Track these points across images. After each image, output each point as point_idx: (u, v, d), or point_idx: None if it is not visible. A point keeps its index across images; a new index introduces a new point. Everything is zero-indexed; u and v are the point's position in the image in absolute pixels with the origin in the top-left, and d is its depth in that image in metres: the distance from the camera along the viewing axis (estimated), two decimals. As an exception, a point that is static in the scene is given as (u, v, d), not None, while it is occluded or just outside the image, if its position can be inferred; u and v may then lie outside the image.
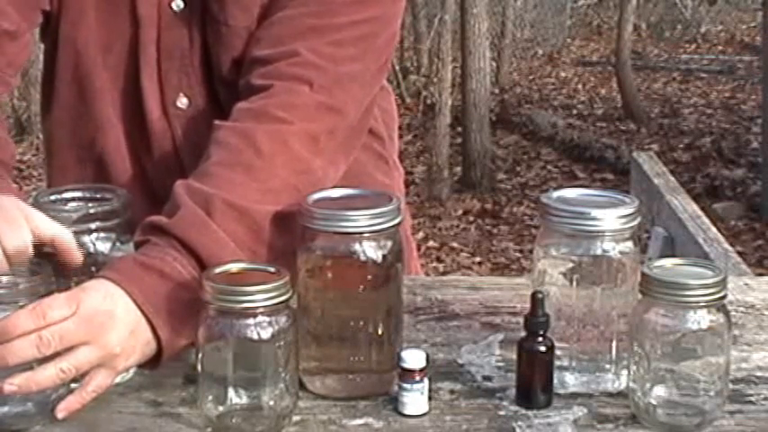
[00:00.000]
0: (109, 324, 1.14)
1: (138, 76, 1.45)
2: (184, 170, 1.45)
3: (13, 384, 1.09)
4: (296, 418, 1.15)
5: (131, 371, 1.24)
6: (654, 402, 1.14)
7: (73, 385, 1.17)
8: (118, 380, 1.23)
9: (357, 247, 1.18)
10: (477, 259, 5.84)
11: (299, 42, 1.35)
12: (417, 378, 1.16)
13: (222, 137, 1.31)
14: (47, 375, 1.11)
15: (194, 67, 1.44)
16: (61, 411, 1.13)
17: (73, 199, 1.26)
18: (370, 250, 1.18)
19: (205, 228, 1.21)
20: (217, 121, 1.34)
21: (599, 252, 1.19)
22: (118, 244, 1.23)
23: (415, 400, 1.16)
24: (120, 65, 1.45)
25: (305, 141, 1.31)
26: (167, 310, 1.17)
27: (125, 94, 1.46)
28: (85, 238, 1.21)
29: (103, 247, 1.22)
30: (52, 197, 1.26)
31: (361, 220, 1.17)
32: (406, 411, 1.17)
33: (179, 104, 1.45)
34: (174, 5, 1.43)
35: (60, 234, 1.19)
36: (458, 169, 7.51)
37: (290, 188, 1.26)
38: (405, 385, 1.16)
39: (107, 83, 1.46)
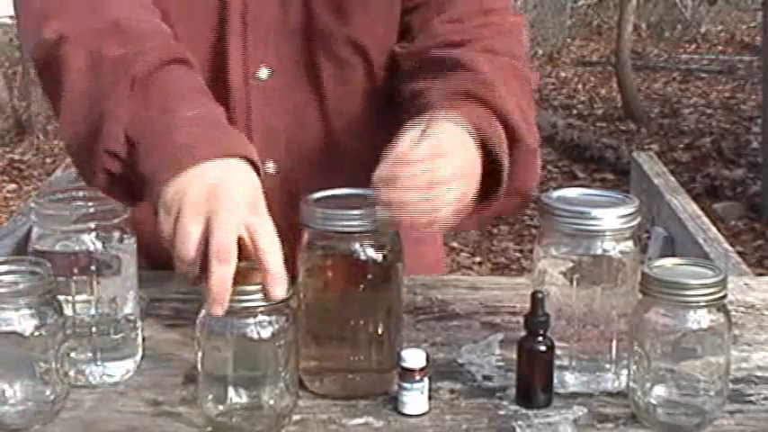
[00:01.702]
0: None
1: (225, 48, 1.43)
2: (252, 141, 1.44)
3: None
4: (296, 417, 1.15)
5: (131, 371, 1.25)
6: (654, 402, 1.14)
7: (73, 384, 1.18)
8: (117, 378, 1.23)
9: (357, 246, 1.18)
10: (478, 259, 5.83)
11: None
12: (417, 378, 1.16)
13: (470, 56, 1.38)
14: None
15: (283, 40, 1.44)
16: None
17: (73, 198, 1.26)
18: (371, 250, 1.18)
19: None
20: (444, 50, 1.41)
21: (599, 252, 1.19)
22: (118, 244, 1.23)
23: (415, 399, 1.17)
24: (201, 38, 1.43)
25: (524, 77, 1.44)
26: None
27: (204, 68, 1.42)
28: (85, 238, 1.21)
29: (103, 246, 1.22)
30: (52, 197, 1.26)
31: (361, 219, 1.17)
32: (406, 411, 1.17)
33: (260, 75, 1.45)
34: None
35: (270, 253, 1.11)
36: (458, 169, 7.50)
37: (522, 108, 1.35)
38: (405, 385, 1.16)
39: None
